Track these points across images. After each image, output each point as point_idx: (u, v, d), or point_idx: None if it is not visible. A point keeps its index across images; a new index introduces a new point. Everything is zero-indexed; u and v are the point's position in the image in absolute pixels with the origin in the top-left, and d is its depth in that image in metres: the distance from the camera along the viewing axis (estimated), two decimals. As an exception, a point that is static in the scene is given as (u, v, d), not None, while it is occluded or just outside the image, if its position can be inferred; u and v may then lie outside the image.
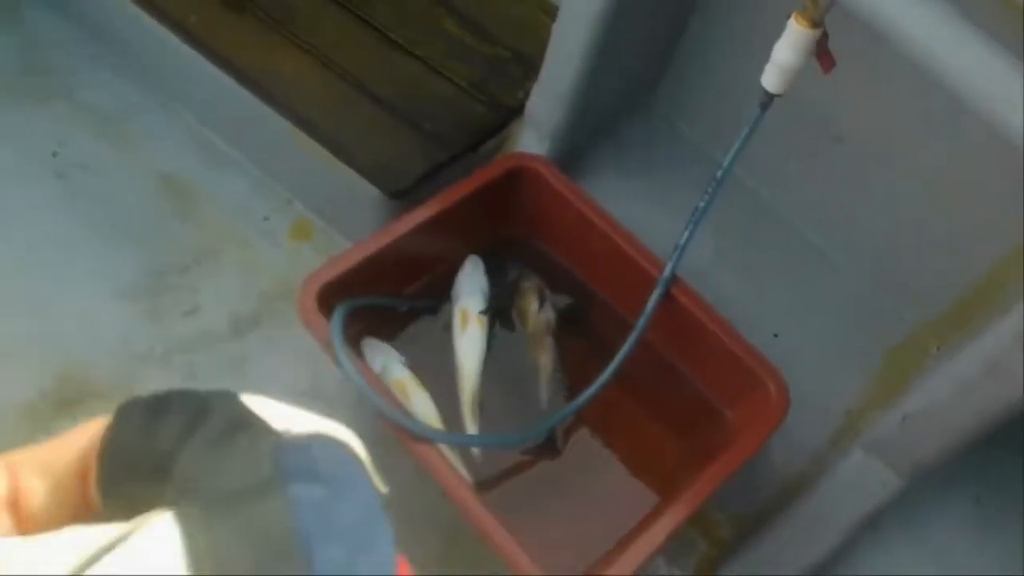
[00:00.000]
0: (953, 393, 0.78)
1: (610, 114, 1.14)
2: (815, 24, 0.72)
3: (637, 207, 1.09)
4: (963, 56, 0.66)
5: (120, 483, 0.26)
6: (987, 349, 0.74)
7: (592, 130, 1.12)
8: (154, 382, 1.00)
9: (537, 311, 0.95)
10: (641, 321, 0.90)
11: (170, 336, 1.04)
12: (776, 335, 1.04)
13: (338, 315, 0.81)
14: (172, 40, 1.10)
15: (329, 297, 0.85)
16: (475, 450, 0.86)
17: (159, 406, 0.27)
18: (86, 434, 0.27)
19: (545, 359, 0.93)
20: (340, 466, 0.26)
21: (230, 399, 0.27)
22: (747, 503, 1.00)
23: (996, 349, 0.74)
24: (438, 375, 0.92)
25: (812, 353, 1.03)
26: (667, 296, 0.91)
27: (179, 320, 1.06)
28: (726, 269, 1.07)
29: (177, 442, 0.26)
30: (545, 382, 0.92)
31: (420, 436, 0.77)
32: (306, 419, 0.28)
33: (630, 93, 1.15)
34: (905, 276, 1.02)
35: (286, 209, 1.17)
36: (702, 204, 0.90)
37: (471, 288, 0.96)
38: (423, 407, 0.85)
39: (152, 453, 0.26)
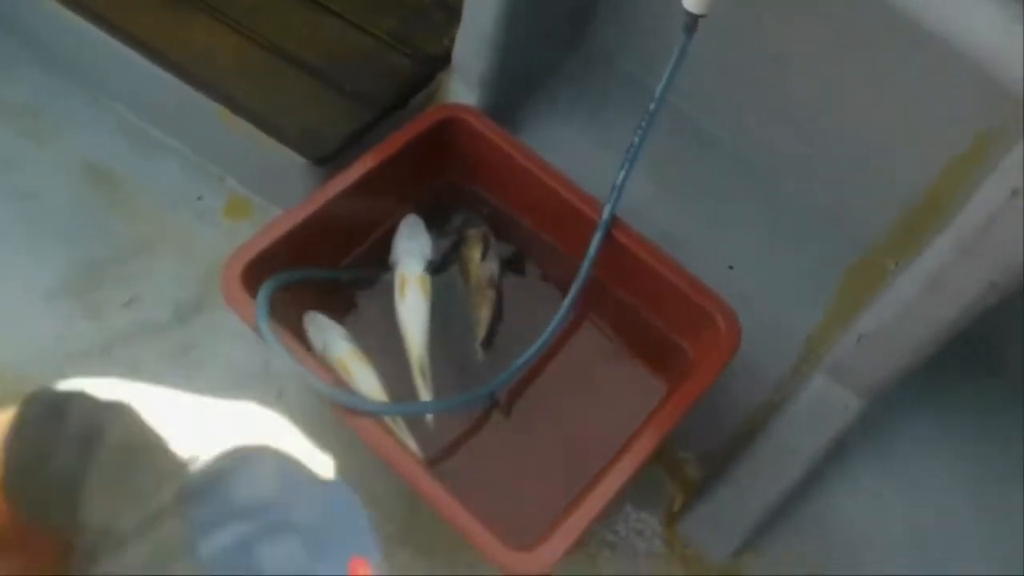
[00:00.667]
0: (900, 312, 0.76)
1: (542, 56, 1.09)
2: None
3: (577, 150, 1.05)
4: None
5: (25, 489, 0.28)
6: (928, 266, 0.72)
7: (524, 74, 1.07)
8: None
9: (480, 260, 0.91)
10: (584, 268, 0.87)
11: (109, 331, 1.01)
12: (731, 267, 1.02)
13: (263, 294, 0.78)
14: (80, 25, 1.05)
15: (257, 275, 0.82)
16: (428, 418, 0.83)
17: (54, 414, 0.29)
18: None
19: (484, 313, 0.90)
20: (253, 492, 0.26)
21: (124, 414, 0.27)
22: (713, 440, 0.99)
23: (936, 265, 0.71)
24: (389, 344, 0.89)
25: (769, 282, 1.01)
26: (609, 238, 0.88)
27: (118, 313, 1.02)
28: (673, 204, 1.04)
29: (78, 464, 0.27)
30: (481, 337, 0.89)
31: (356, 410, 0.75)
32: (221, 415, 0.29)
33: (560, 32, 1.10)
34: (856, 194, 0.99)
35: (219, 187, 1.13)
36: (636, 140, 0.87)
37: (409, 250, 0.92)
38: (366, 382, 0.83)
39: (54, 467, 0.28)
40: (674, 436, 0.99)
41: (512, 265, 0.95)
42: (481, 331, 0.90)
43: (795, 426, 0.91)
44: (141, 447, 0.27)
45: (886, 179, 0.94)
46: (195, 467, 0.26)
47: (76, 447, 0.27)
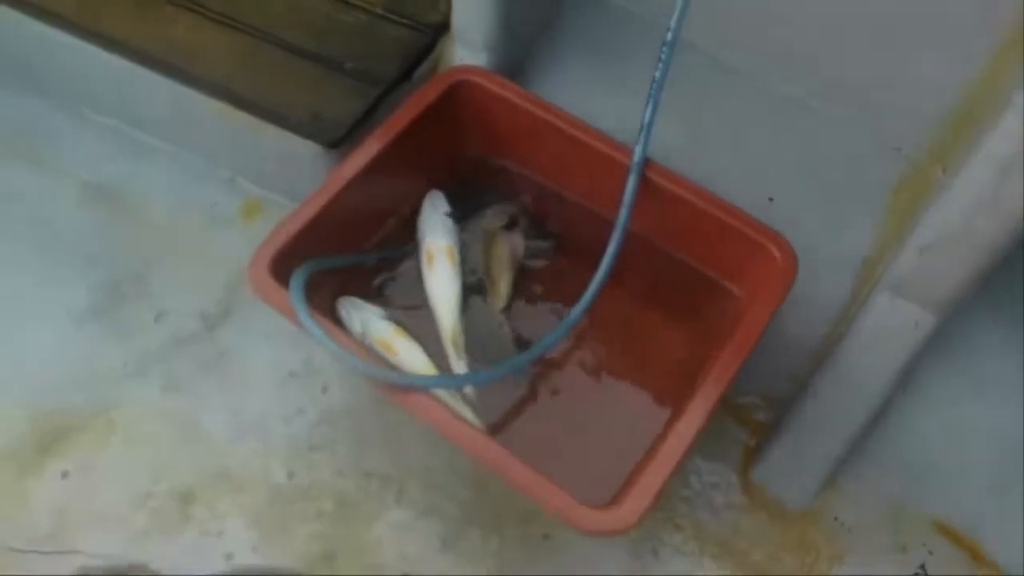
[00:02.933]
0: (969, 209, 0.71)
1: (544, 8, 1.04)
2: None
3: (599, 101, 1.00)
4: None
5: None
6: (996, 151, 0.67)
7: (528, 29, 1.03)
8: (133, 400, 0.94)
9: (501, 232, 0.88)
10: (622, 214, 0.83)
11: (140, 349, 0.98)
12: (772, 199, 0.97)
13: (296, 280, 0.75)
14: (55, 35, 1.01)
15: (285, 267, 0.78)
16: (470, 391, 0.80)
17: None
18: None
19: (500, 289, 0.86)
20: None
21: None
22: (776, 381, 0.94)
23: (1006, 147, 0.66)
24: (420, 322, 0.86)
25: (814, 209, 0.96)
26: (644, 182, 0.84)
27: (146, 330, 0.99)
28: (704, 146, 0.99)
29: None
30: (503, 306, 0.85)
31: (405, 385, 0.71)
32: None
33: (561, -20, 1.06)
34: (890, 104, 0.94)
35: (232, 189, 1.09)
36: (658, 74, 0.83)
37: (433, 225, 0.89)
38: (411, 358, 0.79)
39: None
40: (737, 381, 0.96)
41: (544, 251, 0.91)
42: (500, 300, 0.86)
43: (864, 352, 0.86)
44: None
45: (921, 78, 0.89)
46: None
47: None
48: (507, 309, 0.86)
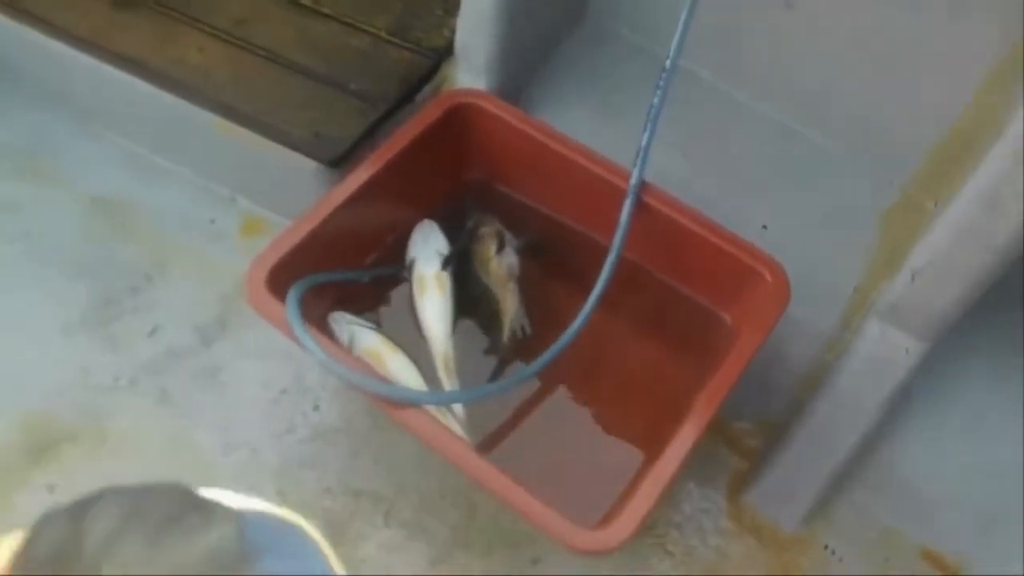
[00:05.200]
0: (957, 237, 0.72)
1: (543, 34, 1.06)
2: None
3: (590, 126, 1.02)
4: None
5: None
6: (983, 185, 0.68)
7: (528, 55, 1.04)
8: (125, 412, 0.94)
9: (495, 256, 0.88)
10: (618, 236, 0.84)
11: (134, 361, 0.98)
12: (765, 227, 0.98)
13: (293, 294, 0.75)
14: (69, 54, 1.03)
15: (281, 280, 0.79)
16: (460, 412, 0.80)
17: (81, 509, 0.25)
18: None
19: (508, 305, 0.86)
20: (301, 545, 0.27)
21: (172, 487, 0.26)
22: (768, 407, 0.95)
23: (991, 183, 0.68)
24: (411, 342, 0.86)
25: (806, 237, 0.97)
26: (640, 205, 0.85)
27: (141, 343, 0.99)
28: (700, 172, 1.01)
29: (106, 542, 0.24)
30: (507, 331, 0.86)
31: (399, 399, 0.71)
32: (262, 505, 0.28)
33: (559, 8, 1.08)
34: (883, 137, 0.96)
35: (231, 208, 1.10)
36: (656, 100, 0.84)
37: (424, 251, 0.90)
38: (401, 369, 0.80)
39: (76, 561, 0.24)
40: (728, 407, 0.96)
41: (533, 252, 0.92)
42: (506, 324, 0.87)
43: (855, 379, 0.87)
44: (193, 506, 0.26)
45: (913, 111, 0.91)
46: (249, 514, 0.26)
47: (108, 529, 0.25)
48: (512, 328, 0.86)
